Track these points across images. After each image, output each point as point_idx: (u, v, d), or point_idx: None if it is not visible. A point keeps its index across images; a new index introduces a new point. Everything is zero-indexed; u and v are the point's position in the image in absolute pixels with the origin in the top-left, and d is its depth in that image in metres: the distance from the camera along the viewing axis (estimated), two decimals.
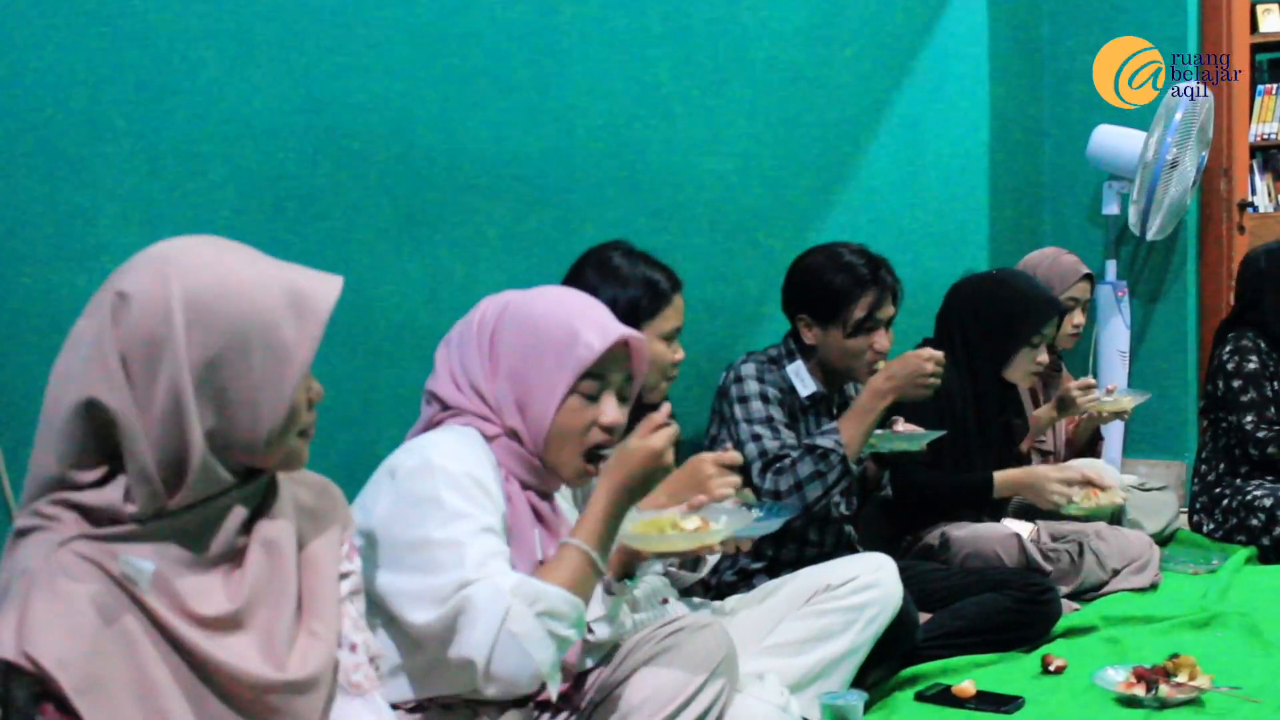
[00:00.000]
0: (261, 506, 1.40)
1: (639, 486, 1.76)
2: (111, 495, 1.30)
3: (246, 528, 1.38)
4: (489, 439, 1.83)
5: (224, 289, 1.31)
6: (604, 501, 1.75)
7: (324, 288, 1.37)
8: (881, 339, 2.77)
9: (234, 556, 1.37)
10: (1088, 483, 3.12)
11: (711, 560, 2.37)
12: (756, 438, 2.67)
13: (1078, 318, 3.89)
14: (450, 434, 1.82)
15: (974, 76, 4.40)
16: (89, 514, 1.30)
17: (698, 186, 3.20)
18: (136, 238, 2.03)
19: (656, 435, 1.76)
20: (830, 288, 2.76)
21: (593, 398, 1.83)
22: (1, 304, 1.91)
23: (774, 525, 2.15)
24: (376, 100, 2.41)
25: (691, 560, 2.32)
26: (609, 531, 1.75)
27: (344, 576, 1.48)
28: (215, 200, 2.17)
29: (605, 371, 1.83)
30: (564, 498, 1.99)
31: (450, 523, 1.70)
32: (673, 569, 2.34)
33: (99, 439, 1.30)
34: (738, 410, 2.71)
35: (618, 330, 1.83)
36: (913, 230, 4.01)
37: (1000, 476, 3.13)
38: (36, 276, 1.95)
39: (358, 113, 2.38)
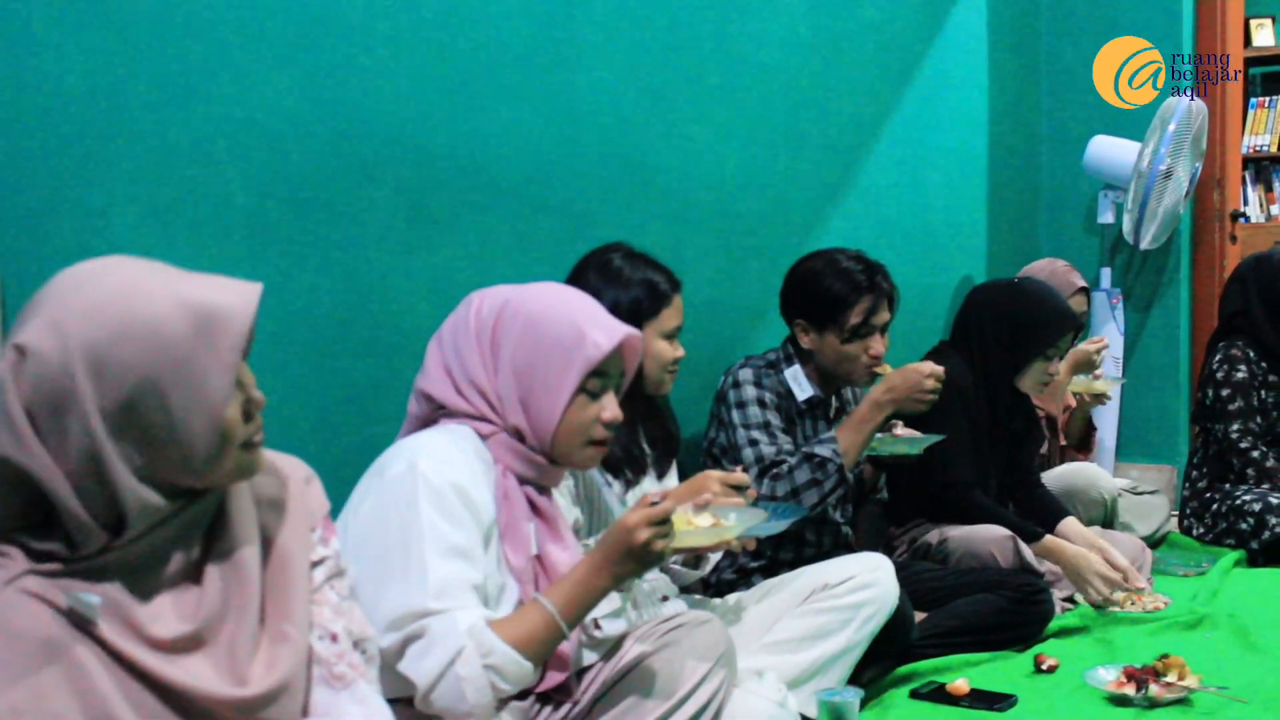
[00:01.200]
0: (217, 519, 1.34)
1: (618, 562, 1.73)
2: (53, 543, 1.25)
3: (204, 542, 1.33)
4: (484, 437, 1.85)
5: (124, 331, 1.22)
6: (584, 570, 1.75)
7: (237, 303, 1.28)
8: (877, 344, 2.79)
9: (191, 574, 1.32)
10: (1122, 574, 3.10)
11: (713, 559, 2.39)
12: (753, 443, 2.70)
13: None
14: (442, 435, 1.83)
15: (973, 85, 4.43)
16: (35, 554, 1.25)
17: (702, 191, 3.23)
18: (151, 237, 2.07)
19: (631, 513, 1.73)
20: (827, 293, 2.78)
21: (596, 395, 1.86)
22: (18, 303, 1.92)
23: (781, 526, 2.19)
24: (388, 102, 2.44)
25: (693, 559, 2.36)
26: (582, 601, 1.74)
27: (319, 562, 1.42)
28: (228, 200, 2.19)
29: (608, 369, 1.86)
30: (561, 494, 2.01)
31: (422, 539, 1.71)
32: (675, 566, 2.37)
33: (29, 491, 1.24)
34: (735, 415, 2.74)
35: (623, 329, 1.86)
36: (912, 236, 4.05)
37: (1050, 541, 3.06)
38: (53, 275, 1.97)
39: (369, 115, 2.41)
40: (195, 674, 1.27)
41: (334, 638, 1.39)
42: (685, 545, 1.90)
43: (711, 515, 1.93)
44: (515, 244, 2.70)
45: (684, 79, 3.16)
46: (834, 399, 2.93)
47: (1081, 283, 4.03)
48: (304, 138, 2.30)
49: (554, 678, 1.83)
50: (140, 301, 1.24)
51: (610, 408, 1.86)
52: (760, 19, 3.40)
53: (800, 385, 2.82)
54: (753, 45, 3.39)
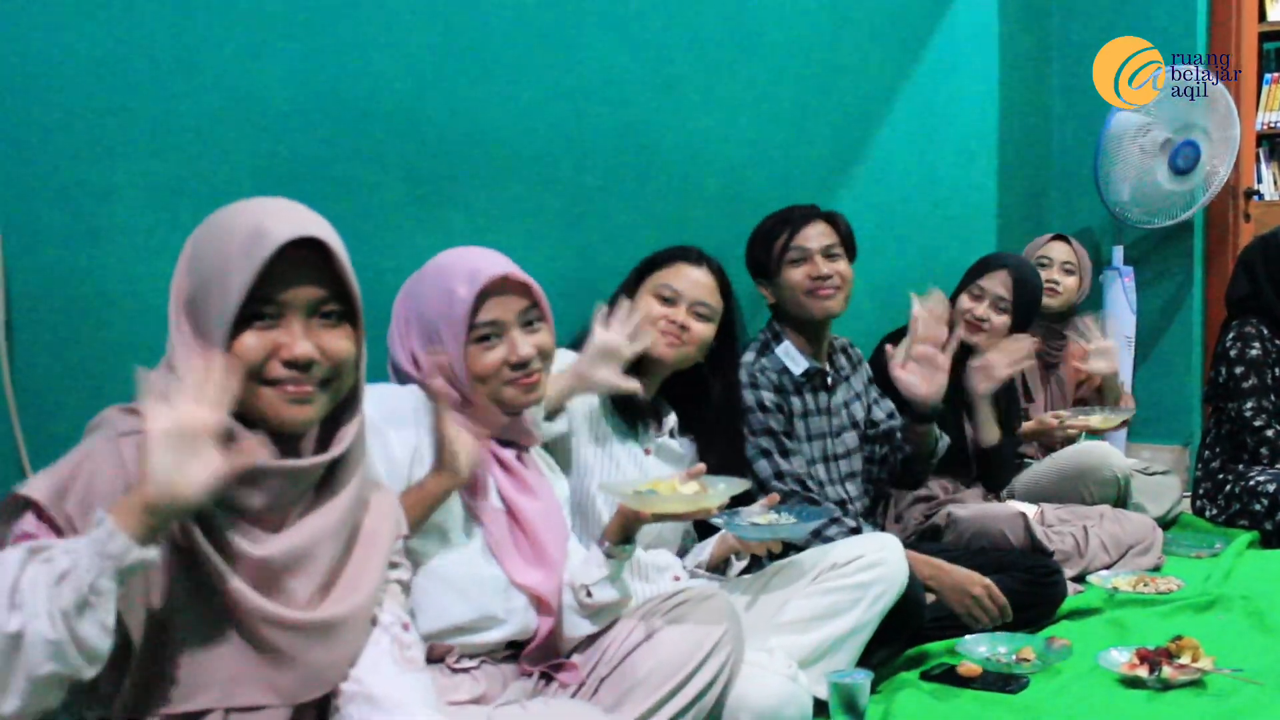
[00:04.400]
0: (326, 486, 1.44)
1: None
2: None
3: (310, 500, 1.43)
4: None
5: (206, 232, 1.40)
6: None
7: (283, 227, 1.37)
8: (817, 268, 2.82)
9: (282, 524, 1.40)
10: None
11: (738, 565, 2.42)
12: (766, 454, 2.70)
13: (1054, 275, 3.97)
14: (392, 385, 1.90)
15: (984, 62, 4.40)
16: None
17: (709, 169, 3.21)
18: (153, 216, 2.06)
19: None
20: (757, 244, 2.91)
21: (490, 339, 1.87)
22: (20, 282, 1.92)
23: (804, 530, 2.22)
24: (392, 80, 2.43)
25: (721, 563, 2.41)
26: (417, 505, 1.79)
27: (395, 565, 1.55)
28: (231, 179, 2.17)
29: (494, 316, 1.87)
30: (539, 453, 2.07)
31: None
32: (699, 571, 2.39)
33: None
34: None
35: (487, 274, 1.87)
36: (922, 215, 4.03)
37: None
38: (55, 256, 1.96)
39: (373, 93, 2.40)
40: (256, 592, 1.36)
41: (405, 627, 1.52)
42: (663, 510, 1.91)
43: (699, 485, 1.93)
44: (521, 221, 2.68)
45: (692, 55, 3.14)
46: (828, 367, 2.93)
47: (1056, 233, 4.11)
48: (307, 115, 2.29)
49: (545, 623, 1.89)
50: (229, 214, 1.40)
51: (519, 347, 1.87)
52: None
53: (794, 360, 2.84)
54: (761, 20, 3.36)
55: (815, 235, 2.85)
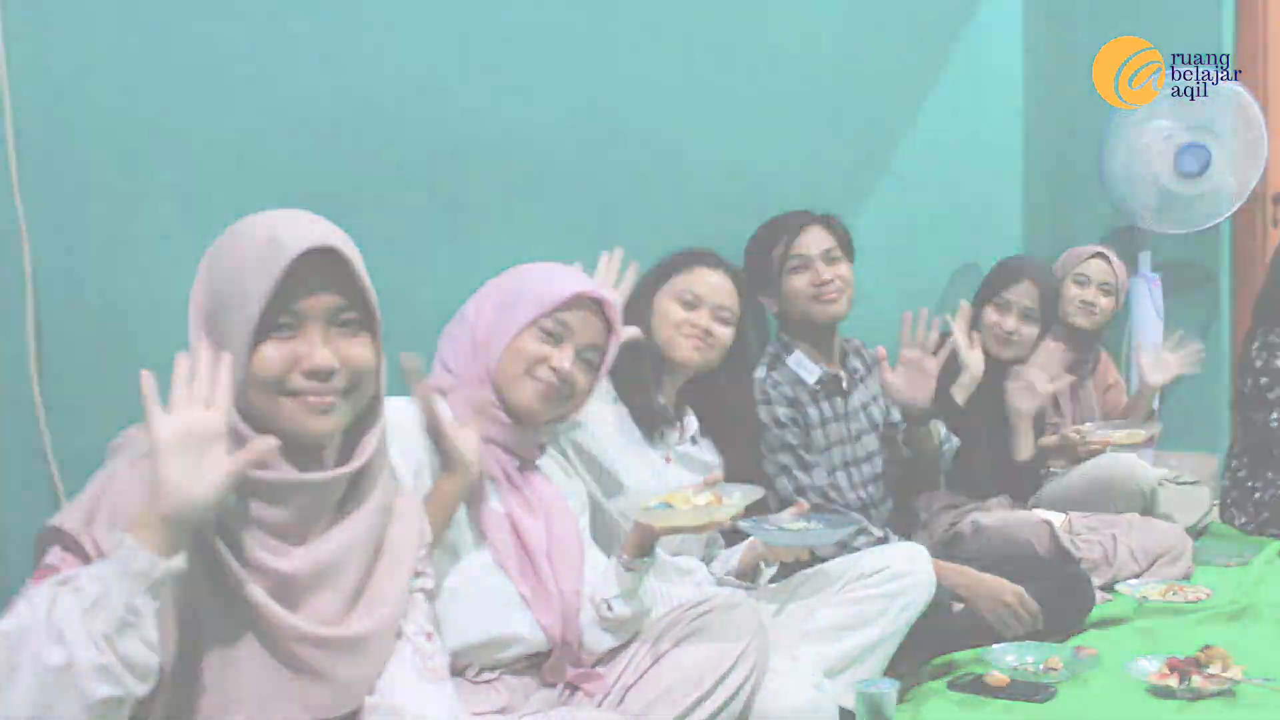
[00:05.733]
0: (350, 497, 1.44)
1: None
2: None
3: (334, 514, 1.43)
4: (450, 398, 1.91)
5: (223, 245, 1.41)
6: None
7: (296, 237, 1.37)
8: (819, 274, 2.81)
9: (307, 538, 1.40)
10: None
11: (768, 572, 2.41)
12: (785, 470, 2.70)
13: (1089, 295, 3.90)
14: (406, 399, 1.90)
15: (1009, 69, 4.38)
16: None
17: (736, 179, 3.20)
18: (185, 229, 2.07)
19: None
20: (755, 255, 2.89)
21: (550, 336, 1.91)
22: (55, 296, 1.94)
23: (833, 537, 2.21)
24: (419, 93, 2.44)
25: (750, 573, 2.41)
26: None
27: (420, 575, 1.55)
28: (260, 191, 2.17)
29: (569, 321, 1.92)
30: (553, 459, 2.09)
31: None
32: (729, 578, 2.39)
33: None
34: None
35: (584, 285, 1.93)
36: (947, 222, 4.00)
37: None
38: (83, 265, 1.98)
39: (400, 106, 2.41)
40: (280, 606, 1.36)
41: (429, 637, 1.51)
42: (675, 524, 1.91)
43: (713, 495, 1.93)
44: (547, 232, 2.68)
45: (717, 65, 3.14)
46: (842, 371, 2.93)
47: (1098, 248, 4.03)
48: (335, 129, 2.31)
49: (555, 643, 1.89)
50: (243, 227, 1.40)
51: (565, 358, 1.90)
52: (792, 6, 3.37)
53: (806, 369, 2.84)
54: (786, 30, 3.36)
55: (814, 241, 2.84)
